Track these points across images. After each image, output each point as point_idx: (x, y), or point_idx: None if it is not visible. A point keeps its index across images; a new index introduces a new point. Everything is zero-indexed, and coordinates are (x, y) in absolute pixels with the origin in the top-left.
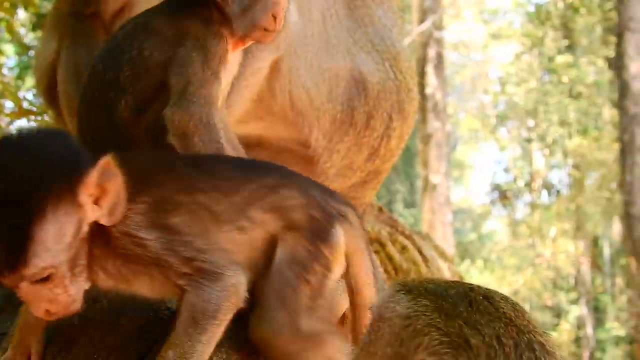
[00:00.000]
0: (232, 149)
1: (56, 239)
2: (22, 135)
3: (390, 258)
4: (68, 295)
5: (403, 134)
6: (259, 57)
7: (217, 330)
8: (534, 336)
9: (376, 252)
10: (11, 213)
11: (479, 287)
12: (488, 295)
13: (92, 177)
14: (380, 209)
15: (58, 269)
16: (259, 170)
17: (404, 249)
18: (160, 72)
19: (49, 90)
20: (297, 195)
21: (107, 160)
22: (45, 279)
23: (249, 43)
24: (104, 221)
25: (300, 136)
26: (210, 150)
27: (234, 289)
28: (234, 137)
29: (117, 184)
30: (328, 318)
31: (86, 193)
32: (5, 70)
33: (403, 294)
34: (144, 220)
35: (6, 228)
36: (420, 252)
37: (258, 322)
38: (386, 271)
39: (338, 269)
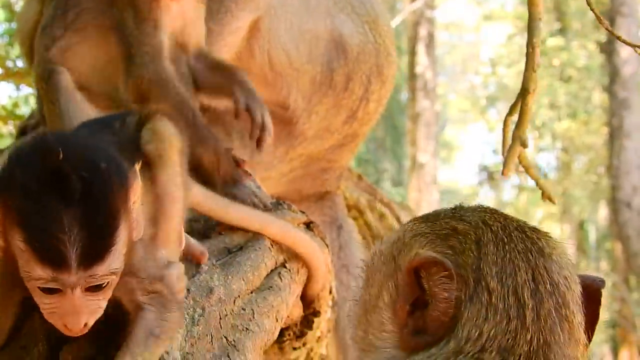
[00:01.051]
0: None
1: (124, 244)
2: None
3: (368, 225)
4: (103, 308)
5: (381, 98)
6: (237, 17)
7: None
8: (519, 222)
9: (354, 219)
10: (99, 211)
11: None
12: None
13: (135, 181)
14: (359, 177)
15: (116, 277)
16: None
17: (382, 216)
18: (103, 42)
19: (31, 52)
20: None
21: (138, 164)
22: (100, 288)
23: None
24: (134, 235)
25: (279, 97)
26: (174, 104)
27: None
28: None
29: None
30: None
31: (133, 199)
32: None
33: None
34: None
35: (94, 224)
36: (398, 221)
37: None
38: (364, 239)
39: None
